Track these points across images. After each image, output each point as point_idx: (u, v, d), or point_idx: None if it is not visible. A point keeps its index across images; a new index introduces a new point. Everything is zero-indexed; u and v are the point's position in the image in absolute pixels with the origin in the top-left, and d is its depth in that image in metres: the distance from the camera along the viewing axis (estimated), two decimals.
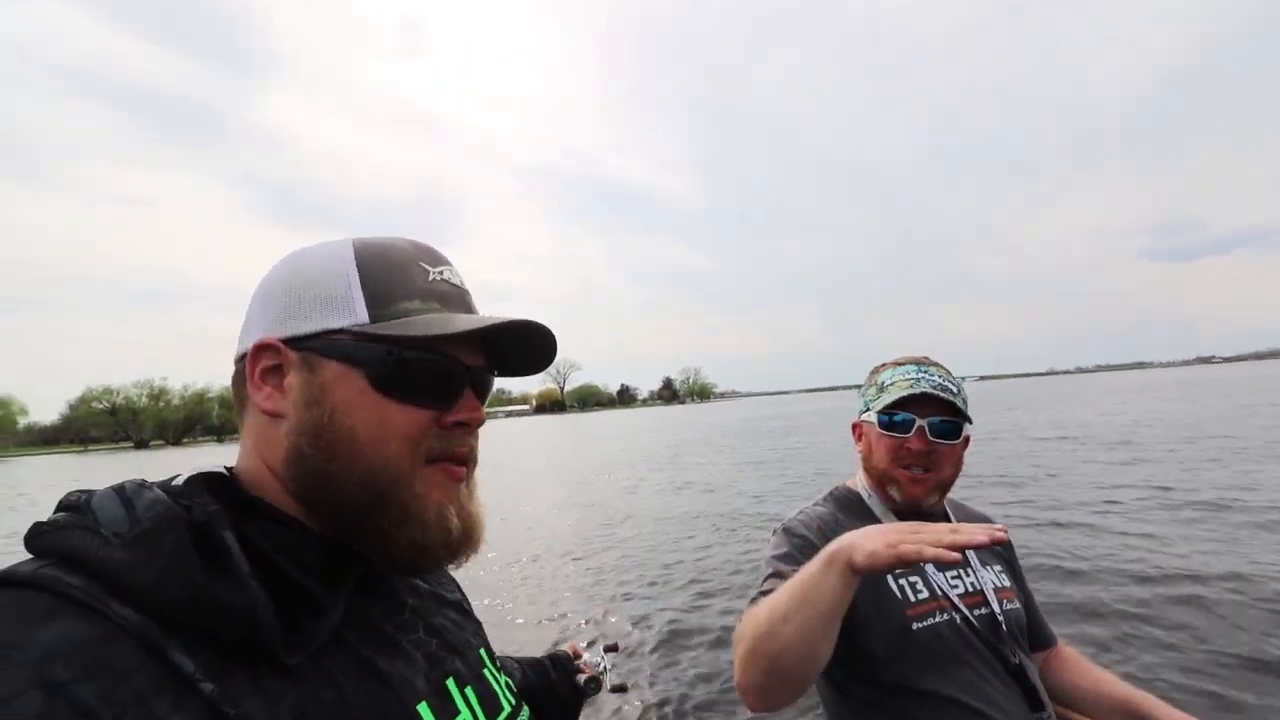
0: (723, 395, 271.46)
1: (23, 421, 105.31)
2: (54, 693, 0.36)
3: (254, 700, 0.43)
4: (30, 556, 0.45)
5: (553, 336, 0.63)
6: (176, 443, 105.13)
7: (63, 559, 0.43)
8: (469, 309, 0.61)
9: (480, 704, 0.61)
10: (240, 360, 0.58)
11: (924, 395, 1.25)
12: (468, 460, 0.60)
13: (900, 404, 1.27)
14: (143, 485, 0.49)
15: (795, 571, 1.10)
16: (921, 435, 1.24)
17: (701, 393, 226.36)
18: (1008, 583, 1.32)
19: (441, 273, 0.60)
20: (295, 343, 0.55)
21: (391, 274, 0.57)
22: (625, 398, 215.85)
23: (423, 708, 0.53)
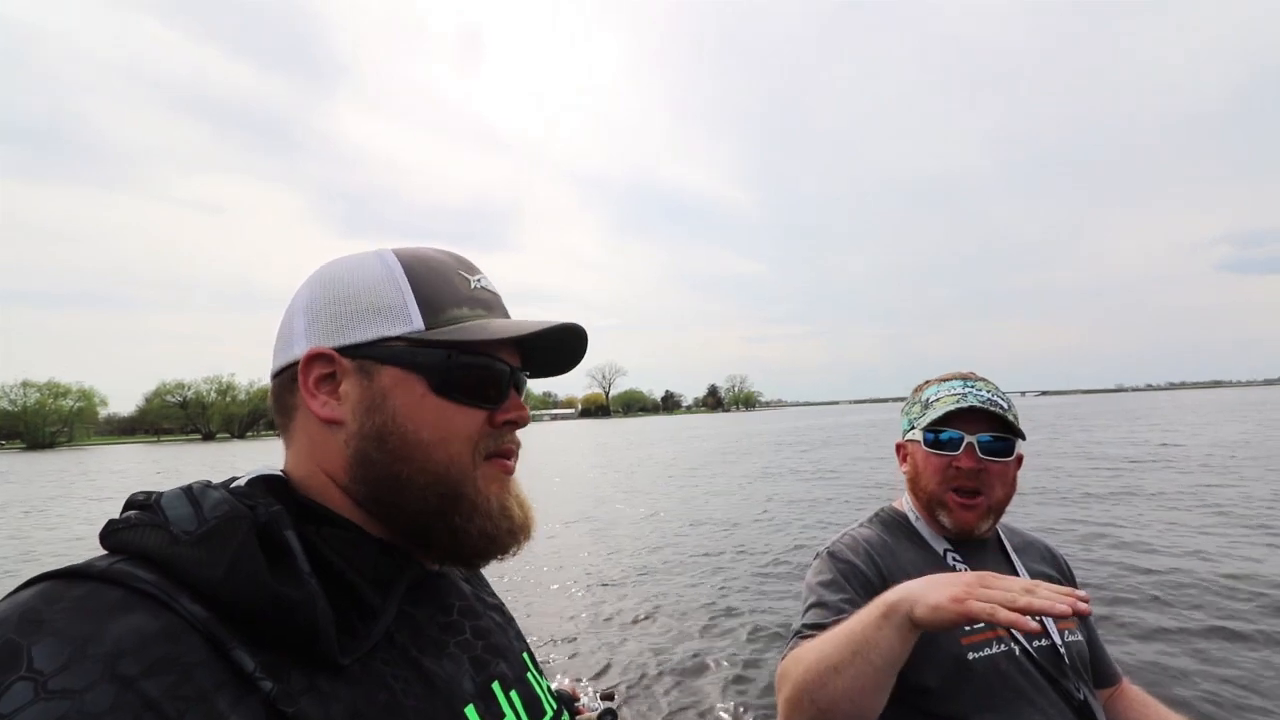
0: (768, 404, 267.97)
1: (103, 413, 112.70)
2: (125, 686, 0.37)
3: (309, 699, 0.44)
4: (105, 552, 0.46)
5: (585, 340, 0.66)
6: (241, 435, 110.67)
7: (135, 555, 0.45)
8: (505, 313, 0.65)
9: (524, 708, 0.61)
10: (280, 373, 0.60)
11: (972, 410, 1.18)
12: (514, 455, 0.64)
13: (947, 420, 1.20)
14: (209, 486, 0.51)
15: (841, 602, 1.09)
16: (971, 453, 1.18)
17: (747, 401, 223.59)
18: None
19: (479, 280, 0.64)
20: (350, 351, 0.57)
21: (439, 283, 0.60)
22: (669, 404, 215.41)
23: (470, 710, 0.54)
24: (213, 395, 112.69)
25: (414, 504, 0.56)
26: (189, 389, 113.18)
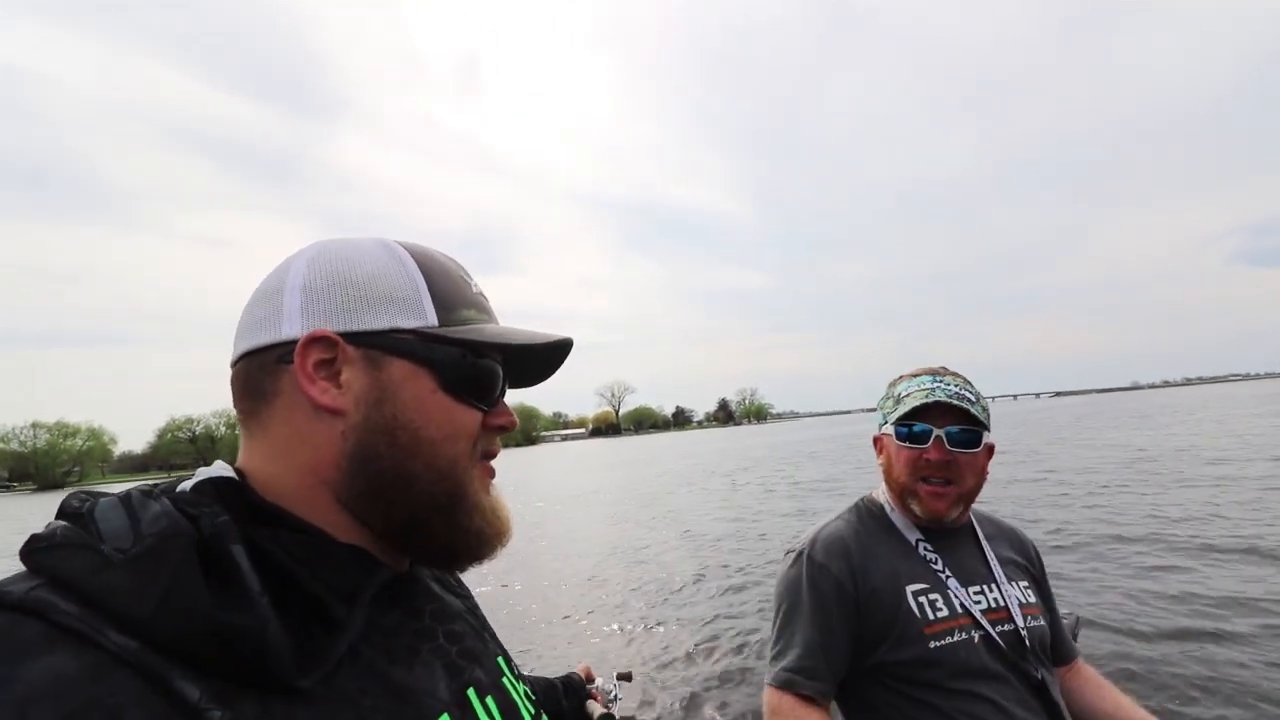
0: (780, 416, 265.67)
1: (116, 451, 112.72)
2: None
3: None
4: (25, 570, 0.41)
5: (567, 355, 0.67)
6: None
7: (56, 580, 0.40)
8: (494, 318, 0.65)
9: (501, 715, 0.59)
10: (255, 353, 0.54)
11: (939, 404, 1.23)
12: (494, 456, 0.63)
13: (917, 414, 1.25)
14: (148, 494, 0.47)
15: (820, 638, 1.22)
16: (940, 445, 1.23)
17: (758, 414, 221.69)
18: (1033, 599, 1.31)
19: (476, 285, 0.64)
20: (357, 338, 0.54)
21: (449, 282, 0.59)
22: (680, 420, 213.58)
23: (444, 719, 0.52)
24: (222, 429, 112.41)
25: (419, 500, 0.54)
26: (198, 423, 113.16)
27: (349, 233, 0.75)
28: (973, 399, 1.25)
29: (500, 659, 0.66)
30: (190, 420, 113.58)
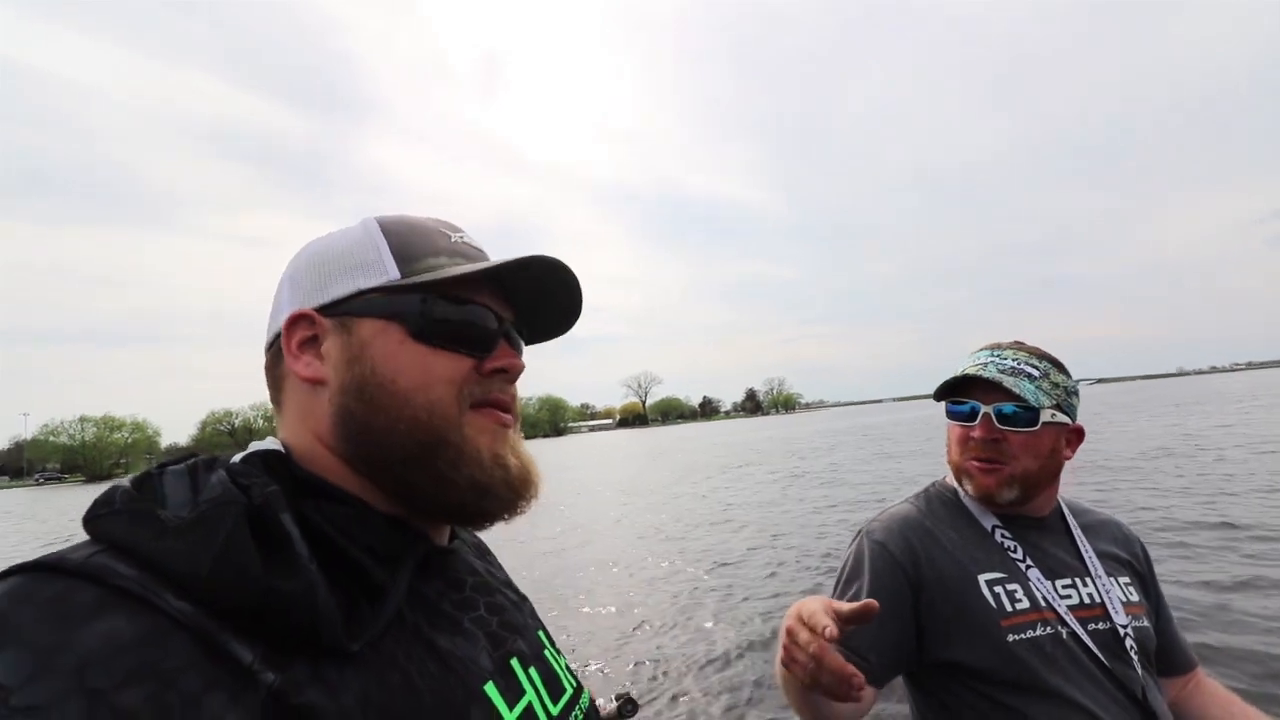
0: (808, 406, 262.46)
1: (164, 444, 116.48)
2: (96, 700, 0.34)
3: (316, 689, 0.41)
4: (87, 538, 0.43)
5: (577, 284, 0.63)
6: None
7: (115, 546, 0.41)
8: None
9: (544, 684, 0.59)
10: (270, 347, 0.59)
11: (986, 380, 1.14)
12: (511, 409, 0.60)
13: (964, 389, 1.19)
14: (211, 465, 0.50)
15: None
16: (987, 423, 1.14)
17: (786, 403, 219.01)
18: (1137, 598, 1.16)
19: (462, 236, 0.62)
20: (328, 309, 0.56)
21: (415, 236, 0.59)
22: (707, 410, 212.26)
23: (489, 688, 0.52)
24: (259, 421, 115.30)
25: (395, 453, 0.53)
26: (236, 417, 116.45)
27: None
28: (1034, 374, 1.14)
29: (541, 633, 0.66)
30: (229, 414, 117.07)
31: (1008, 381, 1.12)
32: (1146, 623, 1.14)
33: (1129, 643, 1.08)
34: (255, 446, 0.53)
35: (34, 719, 0.32)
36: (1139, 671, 1.06)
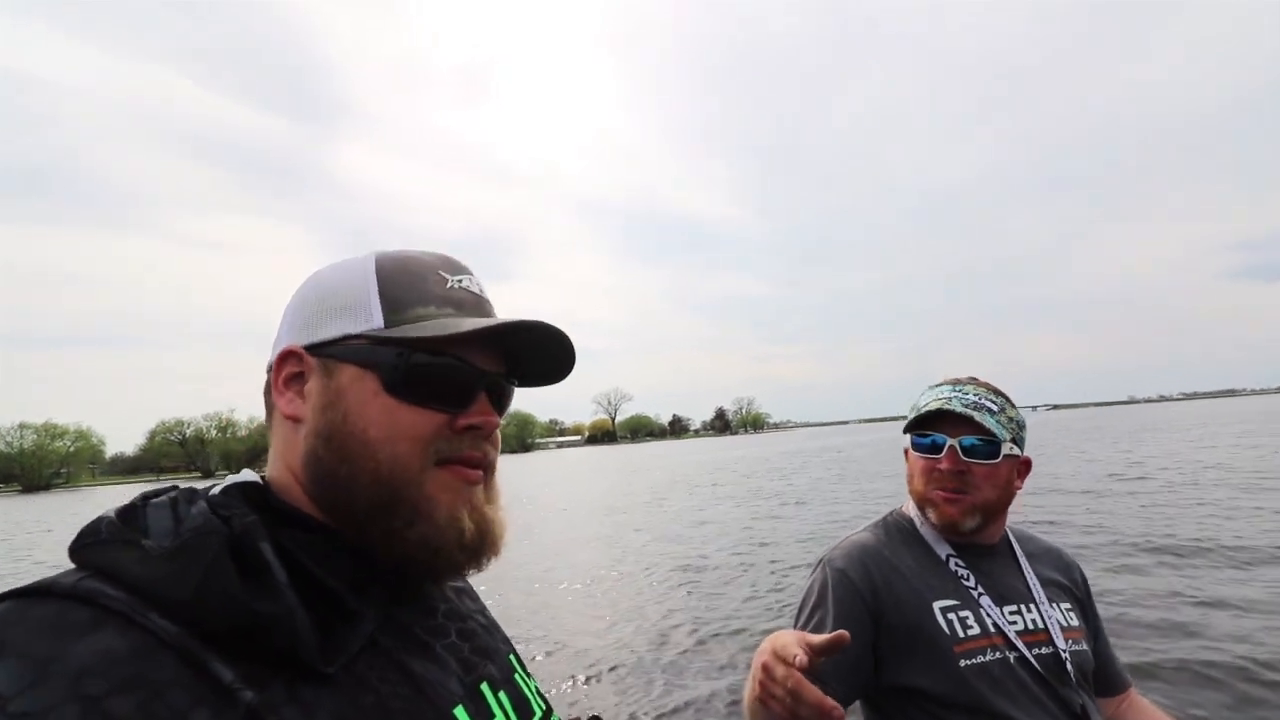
0: (777, 426, 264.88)
1: (109, 454, 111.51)
2: (90, 706, 0.36)
3: (292, 708, 0.43)
4: (73, 567, 0.45)
5: (569, 343, 0.63)
6: (239, 471, 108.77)
7: (103, 572, 0.44)
8: (486, 315, 0.62)
9: (514, 708, 0.61)
10: (269, 371, 0.61)
11: (953, 414, 1.21)
12: (483, 465, 0.60)
13: (931, 423, 1.24)
14: (192, 497, 0.51)
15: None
16: (953, 455, 1.21)
17: (755, 423, 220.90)
18: (1076, 623, 1.24)
19: (460, 280, 0.62)
20: (316, 349, 0.58)
21: (409, 280, 0.59)
22: (677, 428, 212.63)
23: (459, 711, 0.54)
24: (213, 432, 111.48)
25: (358, 503, 0.54)
26: (188, 426, 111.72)
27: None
28: (994, 409, 1.21)
29: (511, 656, 0.68)
30: (180, 423, 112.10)
31: (976, 416, 1.19)
32: (1085, 646, 1.21)
33: (1069, 666, 1.14)
34: (232, 479, 0.56)
35: None
36: (1078, 694, 1.13)
